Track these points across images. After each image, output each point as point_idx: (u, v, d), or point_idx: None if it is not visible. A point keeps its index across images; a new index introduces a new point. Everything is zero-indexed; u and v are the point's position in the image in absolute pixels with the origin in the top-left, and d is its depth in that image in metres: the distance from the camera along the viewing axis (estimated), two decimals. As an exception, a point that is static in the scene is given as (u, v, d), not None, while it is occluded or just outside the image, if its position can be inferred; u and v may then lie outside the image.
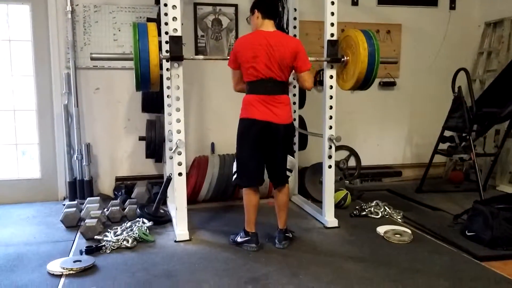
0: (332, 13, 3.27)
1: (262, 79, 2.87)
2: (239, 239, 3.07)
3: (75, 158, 4.17)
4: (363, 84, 3.32)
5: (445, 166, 5.23)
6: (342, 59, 3.35)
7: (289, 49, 2.88)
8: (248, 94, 2.96)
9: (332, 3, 3.25)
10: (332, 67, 3.37)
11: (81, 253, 2.86)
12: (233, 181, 3.18)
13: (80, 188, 4.16)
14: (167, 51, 3.14)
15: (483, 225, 3.06)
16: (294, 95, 4.12)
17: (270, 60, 2.84)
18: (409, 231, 3.27)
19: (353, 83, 3.32)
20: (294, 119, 4.14)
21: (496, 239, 2.97)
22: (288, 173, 3.14)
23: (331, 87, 3.37)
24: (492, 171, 4.61)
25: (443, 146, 4.50)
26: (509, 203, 3.22)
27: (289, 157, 3.19)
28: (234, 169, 3.10)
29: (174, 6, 2.93)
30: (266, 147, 2.97)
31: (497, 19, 4.92)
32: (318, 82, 4.65)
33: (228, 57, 3.06)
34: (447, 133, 4.47)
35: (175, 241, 3.13)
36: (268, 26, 2.94)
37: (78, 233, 3.23)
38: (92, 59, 3.05)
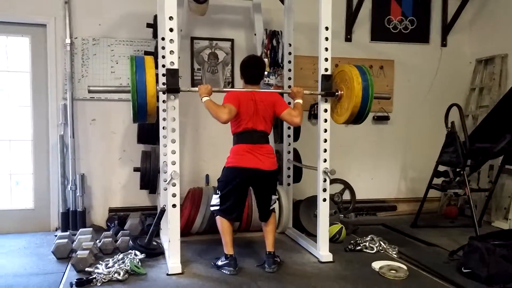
0: (326, 49, 3.34)
1: (249, 130, 3.18)
2: (219, 263, 3.21)
3: (69, 189, 4.14)
4: (357, 118, 3.36)
5: (440, 201, 5.21)
6: (336, 93, 3.40)
7: (269, 101, 3.23)
8: (235, 144, 3.22)
9: (326, 38, 3.32)
10: (326, 101, 3.41)
11: (71, 285, 2.81)
12: (211, 210, 3.39)
13: (73, 219, 4.11)
14: (163, 84, 3.18)
15: (479, 262, 3.03)
16: (289, 127, 4.16)
17: (257, 113, 3.19)
18: (404, 267, 3.23)
19: (347, 117, 3.36)
20: (289, 152, 4.18)
21: (492, 276, 2.93)
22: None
23: (326, 120, 3.41)
24: (487, 206, 4.59)
25: (438, 180, 4.50)
26: (505, 240, 3.20)
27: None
28: (214, 201, 3.31)
29: (171, 40, 3.00)
30: (254, 190, 3.33)
31: (488, 56, 5.03)
32: (313, 115, 4.72)
33: (224, 89, 3.12)
34: (441, 168, 4.48)
35: (167, 274, 3.08)
36: (253, 87, 3.27)
37: (69, 265, 3.18)
38: (90, 91, 3.09)
